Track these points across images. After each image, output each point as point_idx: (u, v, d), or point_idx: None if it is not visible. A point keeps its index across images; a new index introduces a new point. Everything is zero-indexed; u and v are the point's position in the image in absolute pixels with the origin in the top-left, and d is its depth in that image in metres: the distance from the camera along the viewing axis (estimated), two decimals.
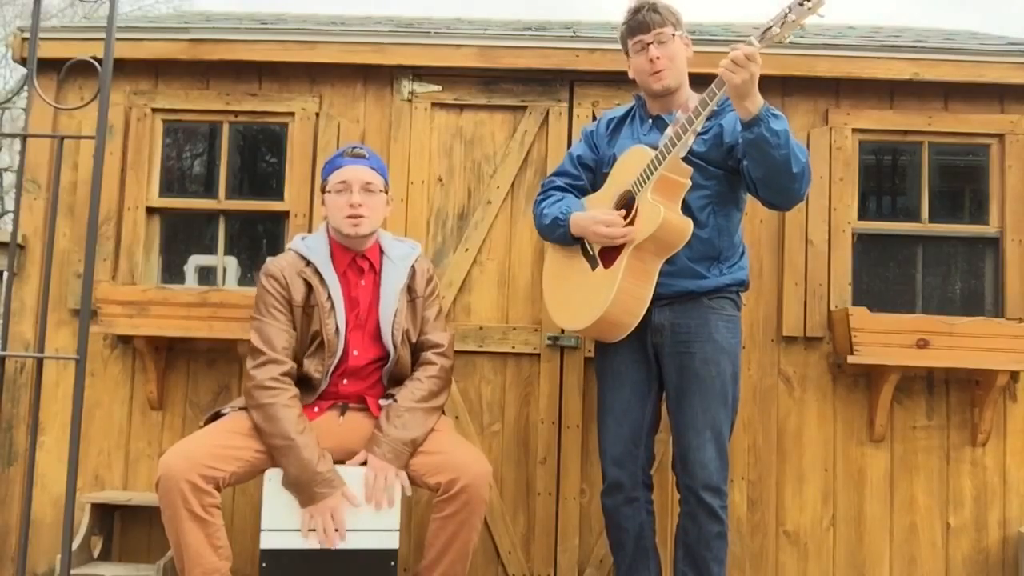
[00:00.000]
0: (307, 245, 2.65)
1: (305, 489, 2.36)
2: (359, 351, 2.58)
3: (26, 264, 3.26)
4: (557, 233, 2.66)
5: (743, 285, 2.63)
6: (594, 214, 2.57)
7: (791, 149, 2.33)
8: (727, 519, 2.52)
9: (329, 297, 2.56)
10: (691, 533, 2.51)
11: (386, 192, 2.67)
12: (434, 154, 3.31)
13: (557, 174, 2.80)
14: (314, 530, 2.36)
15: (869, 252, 3.28)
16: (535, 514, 3.15)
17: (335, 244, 2.64)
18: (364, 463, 2.45)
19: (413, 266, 2.68)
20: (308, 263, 2.60)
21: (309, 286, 2.57)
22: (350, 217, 2.56)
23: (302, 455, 2.36)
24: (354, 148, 2.65)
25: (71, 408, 2.17)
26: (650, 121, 2.65)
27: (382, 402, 2.57)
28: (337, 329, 2.54)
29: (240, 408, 2.54)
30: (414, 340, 2.64)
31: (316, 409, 2.57)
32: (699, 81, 2.58)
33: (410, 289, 2.65)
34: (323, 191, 2.66)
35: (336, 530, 2.36)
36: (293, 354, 2.54)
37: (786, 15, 2.22)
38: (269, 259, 2.65)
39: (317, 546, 2.37)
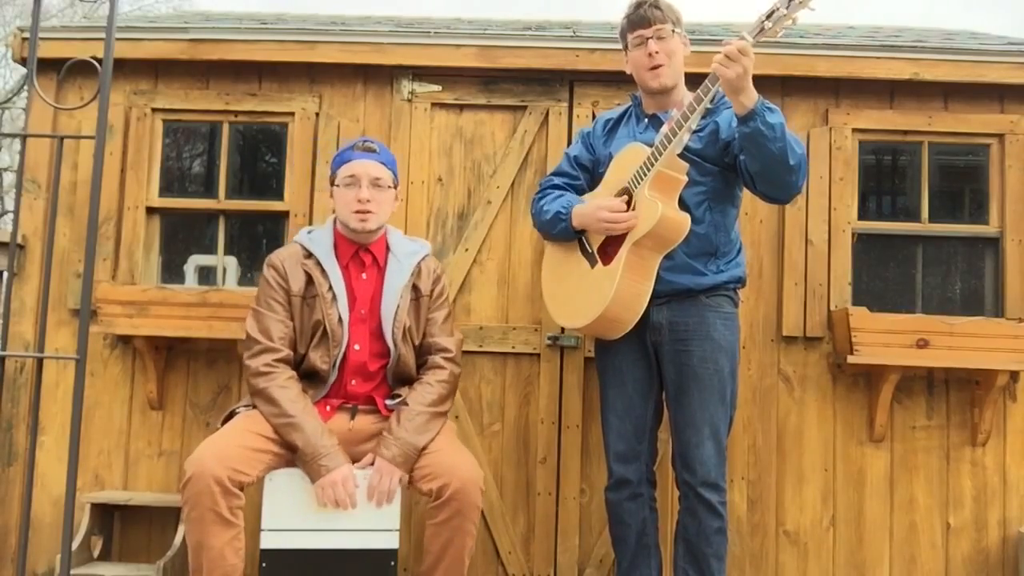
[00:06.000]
0: (311, 237, 2.66)
1: (311, 463, 2.39)
2: (360, 345, 2.58)
3: (26, 264, 3.26)
4: (558, 228, 2.66)
5: (740, 282, 2.64)
6: (596, 202, 2.58)
7: (787, 142, 2.35)
8: (726, 515, 2.54)
9: (331, 288, 2.57)
10: (691, 529, 2.53)
11: (395, 187, 2.67)
12: (434, 154, 3.31)
13: (555, 174, 2.81)
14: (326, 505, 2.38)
15: (869, 252, 3.28)
16: (535, 514, 3.15)
17: (340, 237, 2.65)
18: (372, 464, 2.45)
19: (420, 264, 2.67)
20: (310, 255, 2.61)
21: (310, 277, 2.58)
22: (358, 212, 2.57)
23: (304, 430, 2.40)
24: (365, 142, 2.65)
25: (71, 408, 2.16)
26: (646, 120, 2.66)
27: (389, 402, 2.58)
28: (340, 319, 2.55)
29: (250, 405, 2.55)
30: (417, 340, 2.64)
31: (328, 408, 2.57)
32: (699, 81, 2.57)
33: (415, 287, 2.64)
34: (332, 183, 2.67)
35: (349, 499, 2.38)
36: (293, 344, 2.56)
37: (775, 10, 2.25)
38: (274, 251, 2.67)
39: (317, 546, 2.38)
